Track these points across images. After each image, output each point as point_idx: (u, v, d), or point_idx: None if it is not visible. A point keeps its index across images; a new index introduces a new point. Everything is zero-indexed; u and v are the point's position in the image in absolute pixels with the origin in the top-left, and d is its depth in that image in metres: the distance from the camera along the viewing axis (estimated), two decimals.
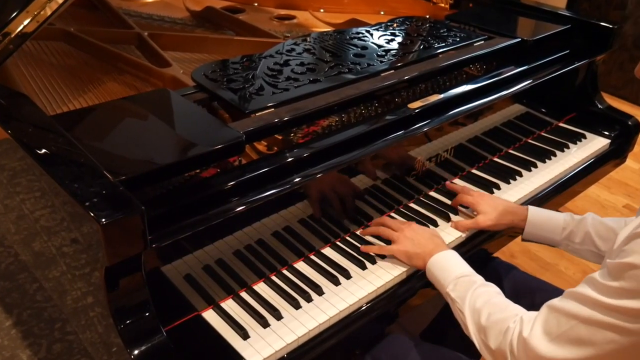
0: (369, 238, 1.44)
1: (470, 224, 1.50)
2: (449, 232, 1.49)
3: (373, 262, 1.37)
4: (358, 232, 1.46)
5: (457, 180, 1.70)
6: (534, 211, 1.49)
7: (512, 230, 1.54)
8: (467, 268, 1.27)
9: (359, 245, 1.41)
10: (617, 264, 0.93)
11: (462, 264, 1.29)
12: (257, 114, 1.33)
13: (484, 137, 1.79)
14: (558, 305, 1.02)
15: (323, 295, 1.27)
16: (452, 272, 1.26)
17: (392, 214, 1.54)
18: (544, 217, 1.48)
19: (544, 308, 1.05)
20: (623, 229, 1.05)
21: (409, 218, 1.52)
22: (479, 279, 1.24)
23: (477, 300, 1.18)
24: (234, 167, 1.26)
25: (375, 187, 1.50)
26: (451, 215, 1.54)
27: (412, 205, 1.58)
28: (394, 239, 1.38)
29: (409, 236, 1.37)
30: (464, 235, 1.49)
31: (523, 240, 1.52)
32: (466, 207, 1.56)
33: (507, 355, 1.08)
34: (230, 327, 1.18)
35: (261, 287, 1.29)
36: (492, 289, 1.21)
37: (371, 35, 1.79)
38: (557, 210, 2.28)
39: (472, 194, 1.56)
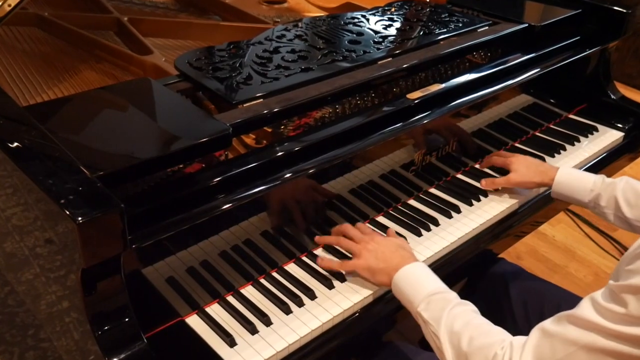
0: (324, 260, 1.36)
1: (502, 180, 1.61)
2: (451, 232, 1.50)
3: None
4: (316, 239, 1.41)
5: (461, 176, 1.71)
6: (563, 172, 1.56)
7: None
8: (439, 283, 1.22)
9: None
10: (622, 286, 0.92)
11: (433, 278, 1.23)
12: (244, 105, 1.33)
13: (489, 130, 1.80)
14: (553, 330, 0.99)
15: (315, 300, 1.28)
16: (423, 289, 1.20)
17: (390, 212, 1.54)
18: (572, 178, 1.55)
19: (535, 332, 1.02)
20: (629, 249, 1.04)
21: (407, 216, 1.53)
22: (454, 296, 1.19)
23: (454, 321, 1.12)
24: (220, 161, 1.26)
25: (371, 183, 1.50)
26: (453, 213, 1.55)
27: (411, 202, 1.59)
28: (355, 252, 1.33)
29: (371, 249, 1.31)
30: (470, 230, 1.50)
31: (552, 197, 1.61)
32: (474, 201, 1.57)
33: None
34: (216, 333, 1.19)
35: (249, 291, 1.29)
36: (470, 308, 1.17)
37: (367, 20, 1.79)
38: (567, 208, 2.29)
39: (505, 154, 1.68)
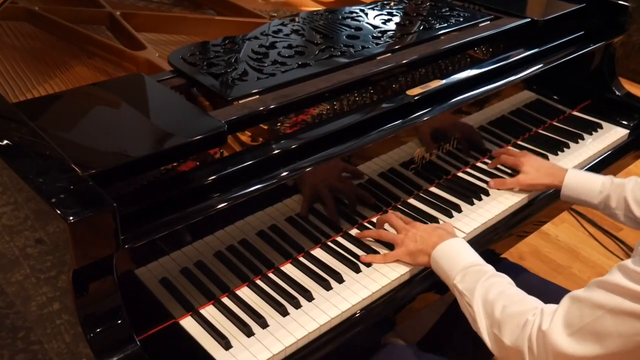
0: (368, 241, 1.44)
1: (512, 182, 1.63)
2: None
3: (368, 264, 1.38)
4: (353, 234, 1.46)
5: (462, 174, 1.71)
6: (571, 174, 1.59)
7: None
8: (476, 257, 1.28)
9: (352, 246, 1.42)
10: None
11: (470, 252, 1.30)
12: (240, 102, 1.33)
13: (490, 127, 1.80)
14: (582, 296, 1.03)
15: (313, 301, 1.28)
16: (460, 262, 1.26)
17: (389, 211, 1.54)
18: (581, 180, 1.58)
19: (565, 299, 1.07)
20: None
21: (407, 215, 1.53)
22: (490, 268, 1.25)
23: (489, 291, 1.18)
24: (215, 159, 1.26)
25: (370, 182, 1.50)
26: (454, 212, 1.55)
27: (411, 201, 1.59)
28: (397, 241, 1.39)
29: (411, 235, 1.37)
30: (471, 230, 1.51)
31: (561, 199, 1.63)
32: (478, 198, 1.57)
33: (524, 352, 1.08)
34: (211, 336, 1.19)
35: (245, 292, 1.29)
36: (505, 280, 1.23)
37: (366, 14, 1.79)
38: (571, 208, 2.29)
39: (515, 154, 1.71)
